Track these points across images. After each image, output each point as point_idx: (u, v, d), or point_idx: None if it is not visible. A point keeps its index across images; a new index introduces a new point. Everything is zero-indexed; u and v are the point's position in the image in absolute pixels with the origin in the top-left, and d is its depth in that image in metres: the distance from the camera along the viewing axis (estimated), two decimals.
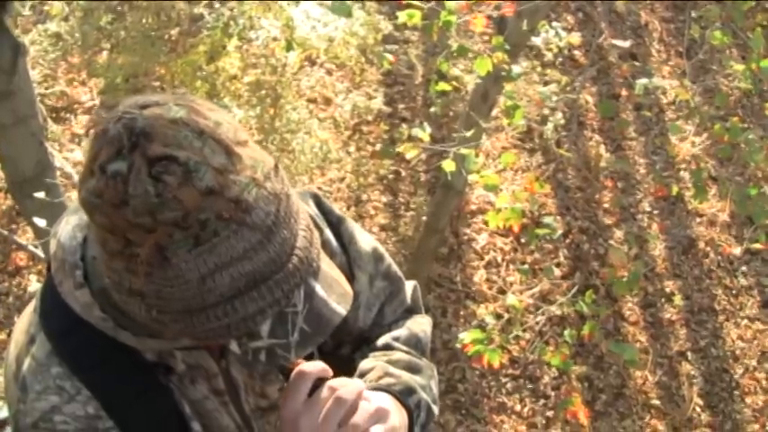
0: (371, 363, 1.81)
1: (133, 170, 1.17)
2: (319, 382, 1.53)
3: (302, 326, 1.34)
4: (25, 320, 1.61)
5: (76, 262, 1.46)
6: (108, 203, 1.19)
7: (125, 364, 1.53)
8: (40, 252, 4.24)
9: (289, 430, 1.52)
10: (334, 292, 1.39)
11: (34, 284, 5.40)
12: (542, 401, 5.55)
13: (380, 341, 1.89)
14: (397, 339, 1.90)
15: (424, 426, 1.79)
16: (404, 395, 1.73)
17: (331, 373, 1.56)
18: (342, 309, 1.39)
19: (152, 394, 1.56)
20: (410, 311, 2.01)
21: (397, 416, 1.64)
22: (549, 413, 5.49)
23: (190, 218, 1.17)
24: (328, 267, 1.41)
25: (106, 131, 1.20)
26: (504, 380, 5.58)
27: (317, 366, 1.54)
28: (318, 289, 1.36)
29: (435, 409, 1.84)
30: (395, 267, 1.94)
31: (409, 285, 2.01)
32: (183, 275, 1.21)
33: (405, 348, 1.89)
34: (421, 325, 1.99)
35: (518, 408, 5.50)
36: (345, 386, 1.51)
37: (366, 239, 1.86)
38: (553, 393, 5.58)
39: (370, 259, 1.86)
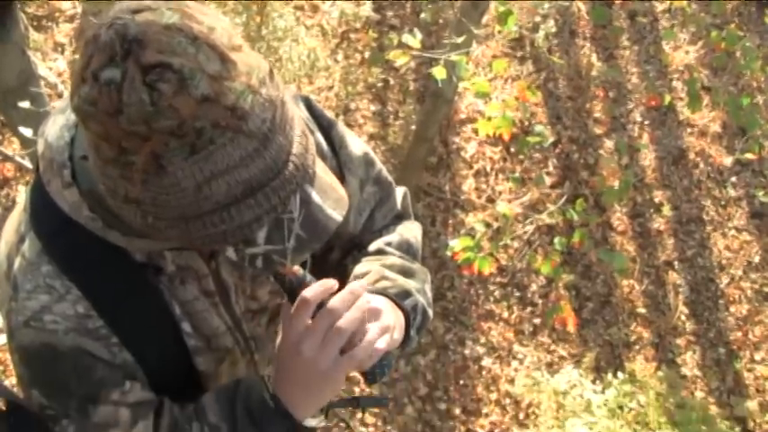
0: (366, 267, 1.82)
1: (127, 78, 1.16)
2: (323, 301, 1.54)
3: (298, 232, 1.35)
4: (15, 219, 1.61)
5: (64, 161, 1.46)
6: (102, 112, 1.18)
7: (114, 264, 1.53)
8: (27, 163, 4.21)
9: (291, 353, 1.54)
10: (330, 197, 1.39)
11: (22, 195, 5.36)
12: (530, 309, 5.59)
13: (372, 246, 1.90)
14: (389, 244, 1.91)
15: (419, 328, 1.81)
16: (400, 298, 1.75)
17: (335, 287, 1.56)
18: (337, 215, 1.39)
19: (142, 295, 1.57)
20: (400, 217, 2.01)
21: (392, 316, 1.66)
22: (537, 321, 5.54)
23: (185, 126, 1.17)
24: (323, 173, 1.41)
25: (97, 37, 1.19)
26: (492, 288, 5.61)
27: (320, 289, 1.54)
28: (314, 195, 1.36)
29: (430, 312, 1.86)
30: (385, 173, 1.94)
31: (399, 191, 2.01)
32: (178, 183, 1.21)
33: (397, 253, 1.90)
34: (411, 230, 2.00)
35: (506, 315, 5.53)
36: (346, 318, 1.52)
37: (357, 144, 1.85)
38: (540, 301, 5.61)
39: (361, 164, 1.85)
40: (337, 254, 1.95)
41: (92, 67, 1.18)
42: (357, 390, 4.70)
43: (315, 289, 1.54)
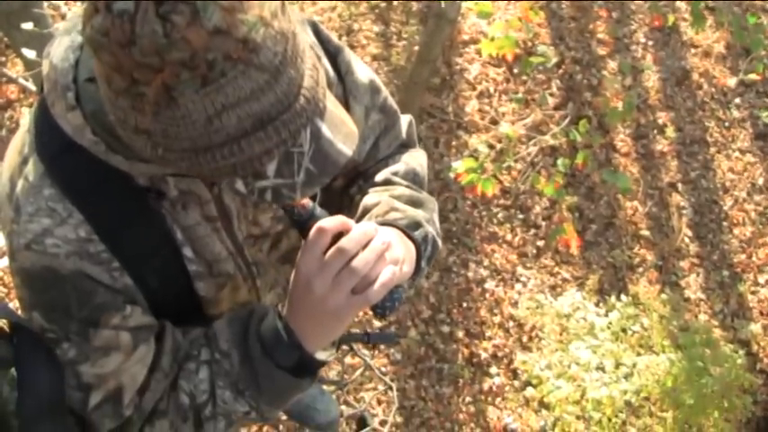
0: (375, 197, 1.82)
1: (140, 9, 1.15)
2: (338, 236, 1.53)
3: (308, 166, 1.35)
4: (18, 140, 1.62)
5: (68, 84, 1.45)
6: (114, 42, 1.18)
7: (117, 188, 1.54)
8: (30, 85, 4.20)
9: (303, 288, 1.54)
10: (340, 132, 1.39)
11: (26, 117, 5.35)
12: (533, 231, 5.59)
13: (380, 176, 1.90)
14: (396, 174, 1.91)
15: (429, 259, 1.81)
16: (410, 229, 1.75)
17: (351, 225, 1.56)
18: (347, 149, 1.39)
19: (143, 219, 1.58)
20: (405, 146, 2.02)
21: (402, 248, 1.66)
22: (540, 243, 5.54)
23: (197, 58, 1.16)
24: (334, 107, 1.41)
25: None
26: (495, 210, 5.61)
27: (335, 222, 1.54)
28: (324, 129, 1.35)
29: (439, 242, 1.86)
30: (391, 101, 1.94)
31: (404, 120, 2.01)
32: (189, 115, 1.21)
33: (405, 183, 1.90)
34: (417, 159, 2.00)
35: (509, 237, 5.54)
36: (359, 259, 1.52)
37: (363, 71, 1.85)
38: (544, 223, 5.62)
39: (367, 91, 1.85)
40: (341, 182, 1.96)
41: None
42: (362, 314, 4.71)
43: (332, 221, 1.54)
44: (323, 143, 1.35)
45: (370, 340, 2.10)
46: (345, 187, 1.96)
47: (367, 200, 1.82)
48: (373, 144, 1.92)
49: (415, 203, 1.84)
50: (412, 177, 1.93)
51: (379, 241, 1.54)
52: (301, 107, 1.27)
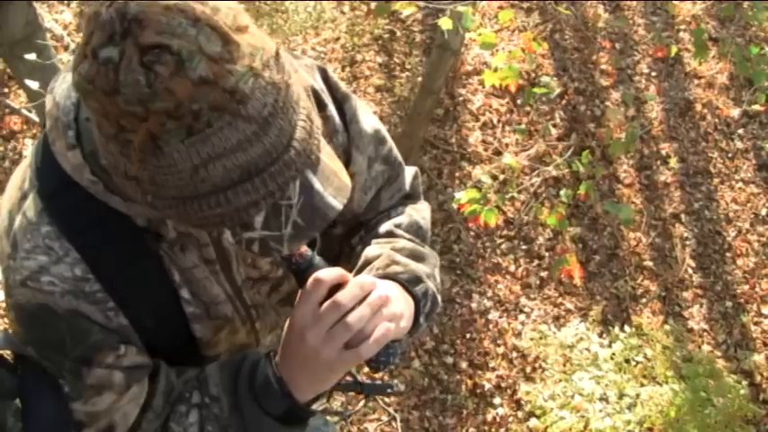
0: (377, 250, 1.80)
1: (124, 58, 1.15)
2: (336, 287, 1.52)
3: (296, 219, 1.33)
4: (19, 175, 1.61)
5: (69, 122, 1.45)
6: (99, 90, 1.18)
7: (115, 228, 1.53)
8: (33, 116, 4.21)
9: (296, 337, 1.54)
10: (332, 184, 1.37)
11: (29, 149, 5.37)
12: (536, 262, 5.59)
13: (382, 228, 1.88)
14: (398, 226, 1.89)
15: (428, 315, 1.79)
16: (411, 284, 1.73)
17: (349, 278, 1.55)
18: (338, 203, 1.37)
19: (141, 260, 1.57)
20: (408, 197, 1.99)
21: (401, 303, 1.64)
22: (543, 273, 5.54)
23: (182, 108, 1.16)
24: (328, 158, 1.39)
25: (98, 15, 1.18)
26: (498, 240, 5.60)
27: (333, 274, 1.53)
28: (315, 182, 1.33)
29: (439, 299, 1.84)
30: (396, 152, 1.92)
31: (409, 172, 1.99)
32: (175, 165, 1.20)
33: (407, 236, 1.88)
34: (420, 212, 1.98)
35: (512, 268, 5.53)
36: (354, 314, 1.51)
37: (369, 120, 1.83)
38: (547, 254, 5.61)
39: (371, 141, 1.83)
40: (340, 230, 1.94)
41: (92, 44, 1.18)
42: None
43: (330, 272, 1.54)
44: (313, 196, 1.33)
45: (363, 390, 2.08)
46: (346, 236, 1.94)
47: (368, 252, 1.80)
48: (375, 195, 1.90)
49: (417, 258, 1.82)
50: (415, 230, 1.91)
51: (376, 295, 1.53)
52: (291, 159, 1.26)
